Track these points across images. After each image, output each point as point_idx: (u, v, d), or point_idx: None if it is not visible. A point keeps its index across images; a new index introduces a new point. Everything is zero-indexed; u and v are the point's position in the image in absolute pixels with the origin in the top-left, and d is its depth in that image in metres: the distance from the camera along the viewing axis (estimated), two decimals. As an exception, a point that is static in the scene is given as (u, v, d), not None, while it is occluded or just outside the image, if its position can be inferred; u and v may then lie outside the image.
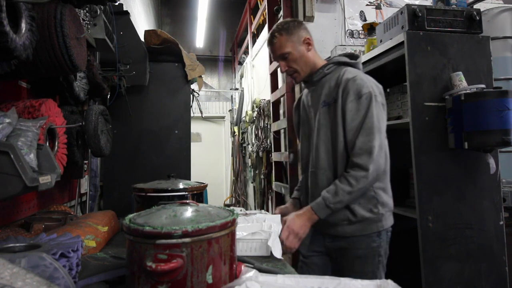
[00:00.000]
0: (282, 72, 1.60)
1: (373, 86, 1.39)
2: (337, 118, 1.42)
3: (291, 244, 1.35)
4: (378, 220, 1.41)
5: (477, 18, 1.89)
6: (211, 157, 7.64)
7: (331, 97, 1.45)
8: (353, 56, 1.56)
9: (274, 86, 3.75)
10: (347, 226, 1.41)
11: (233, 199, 6.78)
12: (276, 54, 1.55)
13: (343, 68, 1.48)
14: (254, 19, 5.14)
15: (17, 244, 0.83)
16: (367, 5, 3.57)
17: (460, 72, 1.77)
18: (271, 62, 3.68)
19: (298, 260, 1.64)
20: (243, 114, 5.84)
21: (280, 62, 1.56)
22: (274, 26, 1.57)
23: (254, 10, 5.20)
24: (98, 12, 1.65)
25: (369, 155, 1.32)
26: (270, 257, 1.21)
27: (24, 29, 0.90)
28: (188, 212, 0.84)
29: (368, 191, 1.40)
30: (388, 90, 2.45)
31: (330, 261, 1.55)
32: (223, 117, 7.75)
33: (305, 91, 1.68)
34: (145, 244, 0.74)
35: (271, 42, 1.55)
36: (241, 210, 1.72)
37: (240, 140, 6.14)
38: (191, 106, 2.68)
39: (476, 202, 1.79)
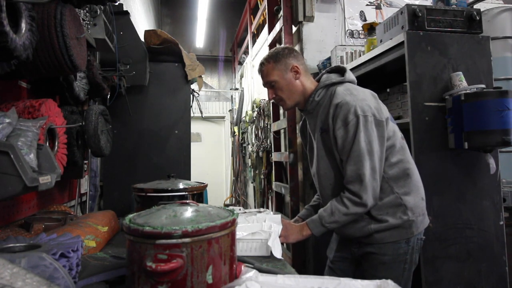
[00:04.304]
0: (269, 99, 1.60)
1: (362, 105, 1.34)
2: (333, 145, 1.42)
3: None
4: (408, 227, 1.38)
5: (477, 18, 1.88)
6: (211, 157, 7.64)
7: (326, 123, 1.44)
8: (340, 70, 1.53)
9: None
10: (375, 233, 1.39)
11: (233, 199, 6.78)
12: (264, 81, 1.56)
13: (332, 89, 1.46)
14: (254, 19, 5.14)
15: (17, 244, 0.83)
16: (367, 5, 3.56)
17: (460, 72, 1.77)
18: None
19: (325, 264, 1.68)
20: (243, 114, 5.84)
21: (268, 90, 1.57)
22: (265, 53, 1.59)
23: (254, 10, 5.20)
24: (98, 12, 1.65)
25: (360, 183, 1.32)
26: (270, 257, 1.21)
27: (24, 29, 0.90)
28: (188, 212, 0.84)
29: (395, 198, 1.39)
30: (388, 90, 2.45)
31: (356, 267, 1.55)
32: (223, 117, 7.75)
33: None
34: (145, 244, 0.74)
35: (260, 69, 1.57)
36: (240, 209, 1.72)
37: (240, 140, 6.14)
38: (191, 106, 2.68)
39: (476, 202, 1.79)
